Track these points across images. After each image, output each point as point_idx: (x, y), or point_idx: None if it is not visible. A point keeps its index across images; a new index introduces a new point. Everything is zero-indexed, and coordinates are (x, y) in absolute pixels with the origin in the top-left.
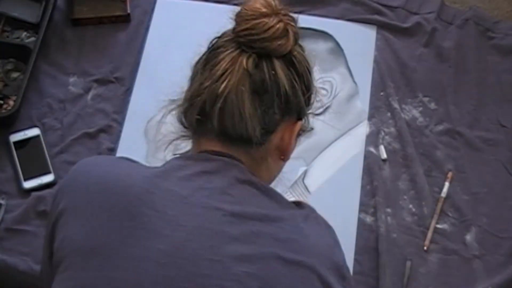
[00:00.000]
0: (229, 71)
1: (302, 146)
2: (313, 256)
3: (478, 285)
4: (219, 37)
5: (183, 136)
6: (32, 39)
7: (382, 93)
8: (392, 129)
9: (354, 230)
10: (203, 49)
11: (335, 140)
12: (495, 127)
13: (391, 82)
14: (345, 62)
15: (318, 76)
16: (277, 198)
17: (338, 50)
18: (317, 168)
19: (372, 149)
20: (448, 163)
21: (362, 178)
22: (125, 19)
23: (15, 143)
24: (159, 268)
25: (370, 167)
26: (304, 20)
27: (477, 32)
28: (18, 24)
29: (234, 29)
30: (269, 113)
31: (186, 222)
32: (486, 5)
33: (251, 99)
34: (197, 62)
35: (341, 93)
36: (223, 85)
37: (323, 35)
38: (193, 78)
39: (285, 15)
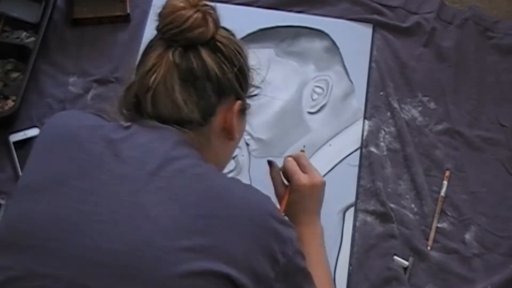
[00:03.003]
0: (156, 65)
1: (298, 144)
2: (237, 211)
3: (477, 284)
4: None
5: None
6: (32, 39)
7: (381, 93)
8: (392, 129)
9: (350, 228)
10: None
11: (331, 138)
12: (494, 127)
13: (391, 82)
14: (341, 61)
15: (314, 75)
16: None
17: (334, 48)
18: None
19: (373, 149)
20: (448, 162)
21: (363, 178)
22: (125, 19)
23: (15, 143)
24: (77, 202)
25: (372, 166)
26: (301, 19)
27: (476, 31)
28: (18, 24)
29: (157, 27)
30: (204, 97)
31: (116, 170)
32: (485, 5)
33: (182, 86)
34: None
35: (337, 92)
36: (152, 78)
37: (319, 33)
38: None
39: (203, 5)
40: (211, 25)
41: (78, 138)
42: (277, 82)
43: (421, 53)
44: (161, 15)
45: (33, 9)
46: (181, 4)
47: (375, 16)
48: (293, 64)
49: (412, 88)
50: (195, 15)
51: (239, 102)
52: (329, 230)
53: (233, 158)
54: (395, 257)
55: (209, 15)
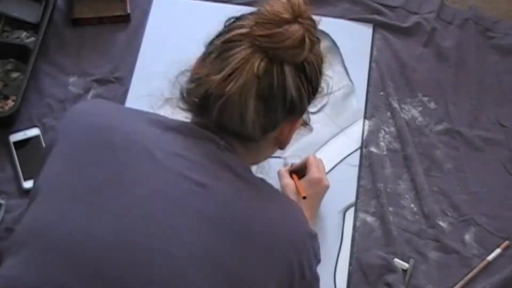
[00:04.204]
0: (238, 71)
1: (298, 144)
2: (276, 234)
3: (477, 284)
4: (236, 20)
5: (181, 108)
6: (32, 39)
7: (382, 93)
8: (392, 129)
9: (350, 228)
10: (200, 48)
11: (331, 138)
12: (494, 127)
13: (391, 82)
14: (341, 61)
15: None
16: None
17: (334, 48)
18: None
19: (373, 149)
20: (448, 162)
21: (363, 178)
22: (125, 19)
23: (15, 143)
24: (113, 219)
25: (372, 166)
26: None
27: (476, 31)
28: (18, 24)
29: (252, 28)
30: (272, 116)
31: (151, 183)
32: (485, 5)
33: (255, 103)
34: (210, 43)
35: (337, 92)
36: (229, 85)
37: (319, 33)
38: (204, 59)
39: (306, 18)
40: (307, 47)
41: (112, 140)
42: None
43: (421, 53)
44: (260, 19)
45: (33, 9)
46: (285, 15)
47: (375, 16)
48: None
49: (412, 88)
50: (296, 35)
51: (301, 119)
52: (329, 230)
53: None
54: (396, 259)
55: (308, 35)
